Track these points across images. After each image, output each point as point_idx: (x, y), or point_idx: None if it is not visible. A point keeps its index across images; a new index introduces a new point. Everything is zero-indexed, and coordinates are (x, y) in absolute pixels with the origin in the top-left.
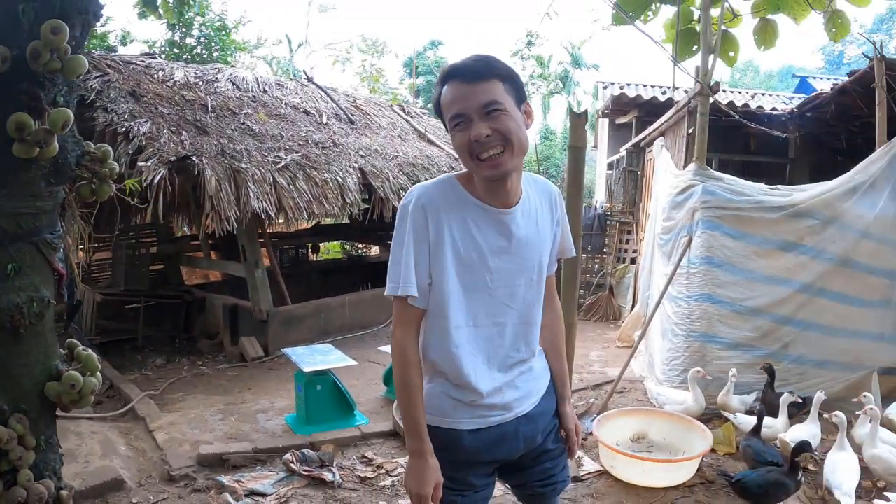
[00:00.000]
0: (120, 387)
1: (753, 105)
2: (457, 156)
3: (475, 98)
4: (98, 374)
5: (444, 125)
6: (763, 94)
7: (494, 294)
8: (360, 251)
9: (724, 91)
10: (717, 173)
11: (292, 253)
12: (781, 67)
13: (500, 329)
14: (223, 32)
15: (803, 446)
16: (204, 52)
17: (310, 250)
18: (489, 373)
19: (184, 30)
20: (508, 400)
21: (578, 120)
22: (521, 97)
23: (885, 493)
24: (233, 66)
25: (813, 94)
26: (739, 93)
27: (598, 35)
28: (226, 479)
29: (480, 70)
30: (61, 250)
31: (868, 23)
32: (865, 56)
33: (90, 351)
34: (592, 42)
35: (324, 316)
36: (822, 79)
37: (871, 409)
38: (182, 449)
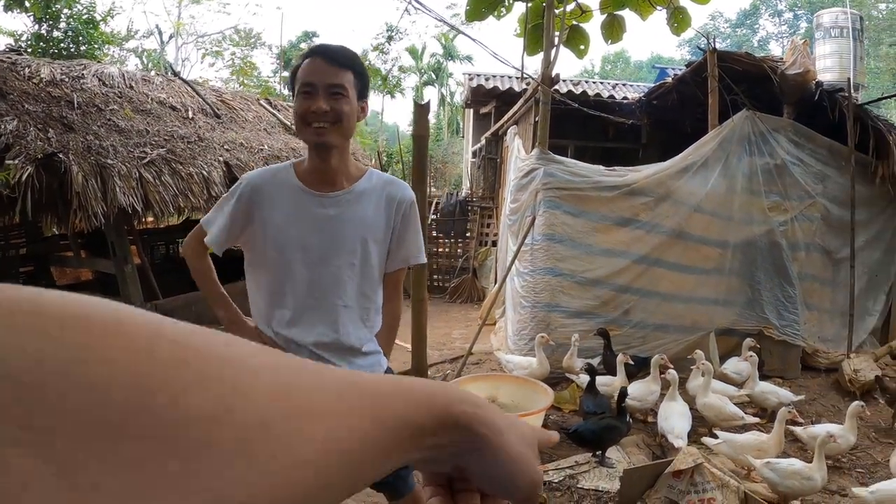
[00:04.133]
0: None
1: (618, 95)
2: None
3: (328, 77)
4: None
5: (293, 91)
6: (626, 85)
7: (310, 270)
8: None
9: (587, 82)
10: (557, 157)
11: (164, 250)
12: (650, 59)
13: (313, 307)
14: (91, 25)
15: (623, 392)
16: (72, 45)
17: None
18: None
19: (50, 23)
20: None
21: (422, 109)
22: (364, 94)
23: (714, 431)
24: (100, 61)
25: (657, 83)
26: (601, 83)
27: (467, 28)
28: None
29: (340, 57)
30: None
31: (732, 17)
32: (700, 49)
33: None
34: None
35: (195, 309)
36: (678, 69)
37: (704, 364)
38: None
